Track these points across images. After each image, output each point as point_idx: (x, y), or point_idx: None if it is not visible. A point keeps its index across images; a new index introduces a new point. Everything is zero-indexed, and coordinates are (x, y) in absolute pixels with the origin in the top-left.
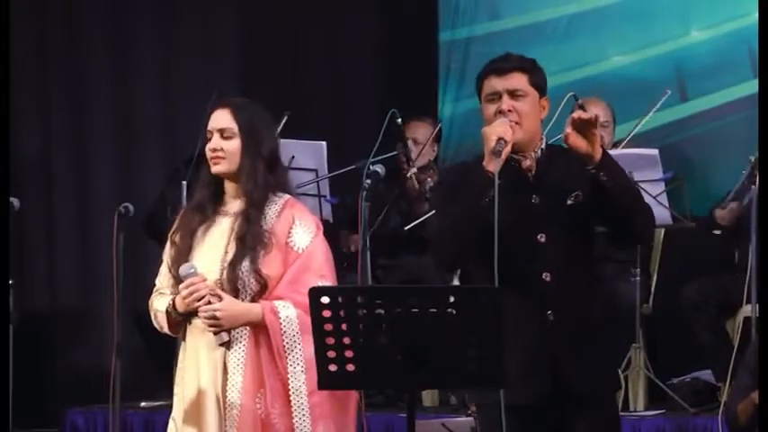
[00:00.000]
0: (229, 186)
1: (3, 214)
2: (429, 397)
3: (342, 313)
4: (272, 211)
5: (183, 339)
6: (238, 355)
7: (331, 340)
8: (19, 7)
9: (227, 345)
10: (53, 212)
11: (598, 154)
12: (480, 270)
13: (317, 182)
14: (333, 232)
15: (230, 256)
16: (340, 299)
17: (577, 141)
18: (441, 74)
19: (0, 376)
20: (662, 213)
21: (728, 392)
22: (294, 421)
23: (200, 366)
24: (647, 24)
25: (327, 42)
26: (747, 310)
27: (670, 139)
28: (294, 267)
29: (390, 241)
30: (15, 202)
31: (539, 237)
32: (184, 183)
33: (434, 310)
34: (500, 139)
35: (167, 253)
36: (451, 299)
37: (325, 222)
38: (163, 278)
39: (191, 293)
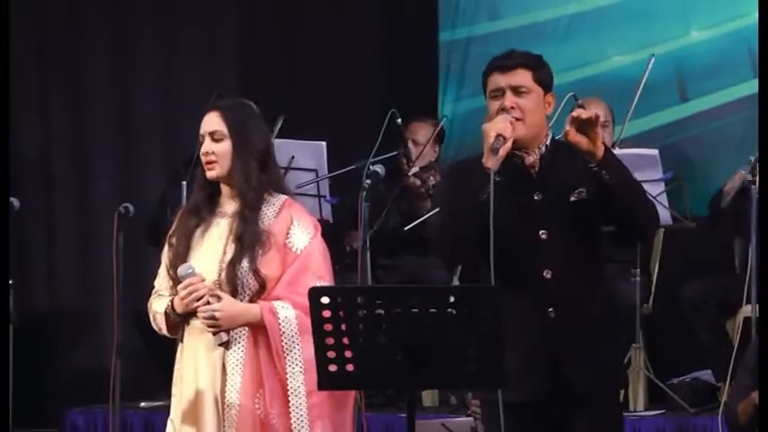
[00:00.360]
0: (225, 188)
1: (3, 214)
2: (429, 397)
3: (341, 313)
4: (269, 211)
5: (182, 341)
6: (237, 356)
7: (331, 340)
8: (19, 7)
9: (225, 345)
10: (53, 212)
11: (600, 151)
12: (486, 266)
13: (317, 182)
14: (333, 232)
15: (229, 256)
16: (340, 299)
17: (577, 138)
18: (441, 74)
19: (0, 376)
20: (662, 213)
21: (728, 392)
22: (292, 421)
23: (198, 367)
24: (647, 24)
25: (327, 42)
26: (747, 310)
27: (670, 139)
28: (293, 268)
29: (390, 241)
30: (15, 202)
31: (540, 234)
32: (184, 183)
33: (434, 310)
34: (498, 135)
35: (165, 255)
36: (451, 299)
37: (325, 222)
38: (161, 280)
39: (189, 294)
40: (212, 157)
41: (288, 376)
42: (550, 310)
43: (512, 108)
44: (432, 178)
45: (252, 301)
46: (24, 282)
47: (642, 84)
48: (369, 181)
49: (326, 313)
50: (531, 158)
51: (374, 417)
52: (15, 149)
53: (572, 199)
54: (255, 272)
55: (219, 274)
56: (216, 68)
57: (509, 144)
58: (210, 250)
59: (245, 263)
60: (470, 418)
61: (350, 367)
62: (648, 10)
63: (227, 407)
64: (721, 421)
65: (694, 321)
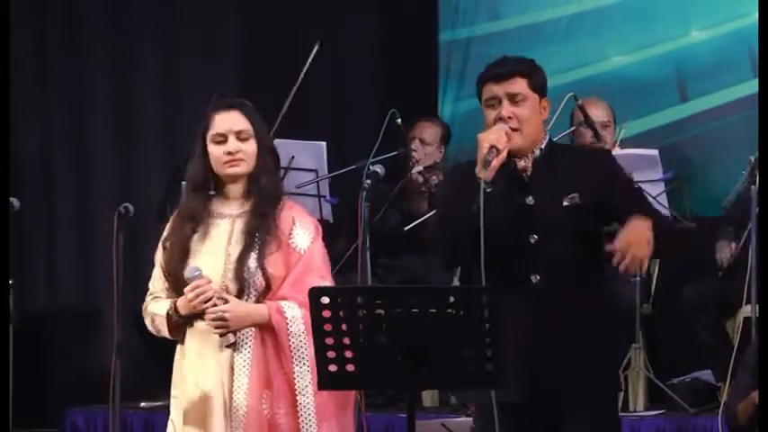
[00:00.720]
0: (234, 188)
1: (3, 214)
2: (429, 397)
3: (342, 313)
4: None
5: (182, 342)
6: (245, 357)
7: (331, 340)
8: (19, 7)
9: (233, 346)
10: (53, 212)
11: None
12: (477, 269)
13: (317, 182)
14: (333, 232)
15: (235, 256)
16: (340, 299)
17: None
18: (441, 74)
19: (0, 376)
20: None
21: (728, 392)
22: (300, 421)
23: (204, 369)
24: (647, 24)
25: (327, 42)
26: (747, 310)
27: (670, 140)
28: (297, 268)
29: (390, 241)
30: (15, 202)
31: (530, 238)
32: (184, 183)
33: (434, 310)
34: (492, 147)
35: (160, 258)
36: (451, 299)
37: (325, 222)
38: (157, 282)
39: (197, 295)
40: (240, 155)
41: (295, 376)
42: (539, 313)
43: (509, 118)
44: (435, 178)
45: (258, 301)
46: (24, 282)
47: None
48: (369, 181)
49: (326, 313)
50: (523, 162)
51: (374, 417)
52: (15, 149)
53: (565, 204)
54: (263, 270)
55: (224, 276)
56: (216, 68)
57: (503, 155)
58: (213, 252)
59: (252, 261)
60: (470, 419)
61: (350, 367)
62: (648, 10)
63: (235, 408)
64: (721, 421)
65: (694, 321)
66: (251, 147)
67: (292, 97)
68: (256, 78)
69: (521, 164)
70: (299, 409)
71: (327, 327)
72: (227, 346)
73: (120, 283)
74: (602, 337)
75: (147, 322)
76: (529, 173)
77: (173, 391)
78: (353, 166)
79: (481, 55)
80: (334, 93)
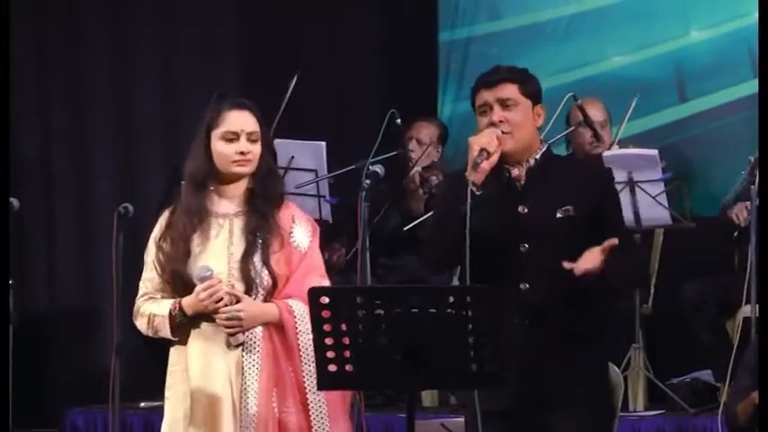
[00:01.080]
0: (234, 187)
1: (3, 214)
2: (429, 397)
3: (341, 313)
4: None
5: (184, 343)
6: (254, 356)
7: (330, 340)
8: (19, 7)
9: (241, 345)
10: (53, 212)
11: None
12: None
13: (317, 182)
14: (333, 232)
15: (238, 255)
16: (339, 299)
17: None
18: (441, 74)
19: (0, 376)
20: (662, 213)
21: (728, 392)
22: (312, 419)
23: (212, 370)
24: (647, 24)
25: (327, 42)
26: (747, 310)
27: (670, 140)
28: (301, 267)
29: (390, 241)
30: (15, 202)
31: (521, 247)
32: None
33: (434, 310)
34: (482, 150)
35: (153, 258)
36: (451, 299)
37: (324, 222)
38: (149, 283)
39: (210, 295)
40: (250, 156)
41: (305, 374)
42: (527, 322)
43: (500, 122)
44: (434, 178)
45: (266, 299)
46: (24, 282)
47: None
48: (368, 181)
49: (326, 313)
50: (517, 171)
51: (374, 417)
52: (15, 149)
53: (558, 215)
54: (269, 268)
55: (231, 275)
56: (216, 68)
57: (494, 158)
58: (215, 252)
59: (256, 259)
60: None
61: (349, 367)
62: (648, 10)
63: (245, 408)
64: (721, 421)
65: (694, 321)
66: (258, 148)
67: (292, 97)
68: (256, 78)
69: (514, 172)
70: (310, 407)
71: (327, 327)
72: (237, 346)
73: (120, 283)
74: (591, 346)
75: (142, 323)
76: (522, 182)
77: (167, 393)
78: (353, 166)
79: (481, 55)
80: (333, 93)
